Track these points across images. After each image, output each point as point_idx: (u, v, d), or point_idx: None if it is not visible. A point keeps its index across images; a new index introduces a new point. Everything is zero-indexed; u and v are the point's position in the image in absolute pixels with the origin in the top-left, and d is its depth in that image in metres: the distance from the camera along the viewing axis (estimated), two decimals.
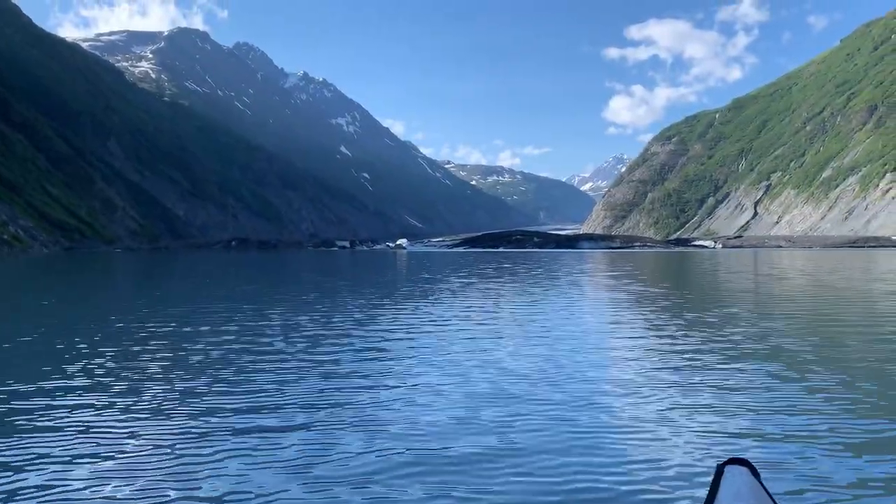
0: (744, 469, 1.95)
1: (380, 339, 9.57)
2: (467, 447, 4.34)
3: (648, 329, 10.54)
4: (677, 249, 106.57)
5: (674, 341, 9.24)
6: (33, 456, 4.45)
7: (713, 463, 1.67)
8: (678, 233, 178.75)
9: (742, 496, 1.78)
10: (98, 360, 8.09)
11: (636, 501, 3.80)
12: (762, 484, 1.90)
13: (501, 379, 6.61)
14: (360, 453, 4.31)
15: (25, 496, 3.73)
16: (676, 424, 5.37)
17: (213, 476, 4.05)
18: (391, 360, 7.92)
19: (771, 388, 6.42)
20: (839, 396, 6.08)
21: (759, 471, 1.97)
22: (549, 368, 7.31)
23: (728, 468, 1.95)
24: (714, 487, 1.86)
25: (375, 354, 8.29)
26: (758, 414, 5.63)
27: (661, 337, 9.64)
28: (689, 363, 7.86)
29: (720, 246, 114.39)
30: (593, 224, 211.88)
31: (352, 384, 6.49)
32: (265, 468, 4.08)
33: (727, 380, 6.87)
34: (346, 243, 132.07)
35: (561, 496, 3.81)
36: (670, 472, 4.26)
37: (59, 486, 3.89)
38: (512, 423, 5.11)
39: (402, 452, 4.29)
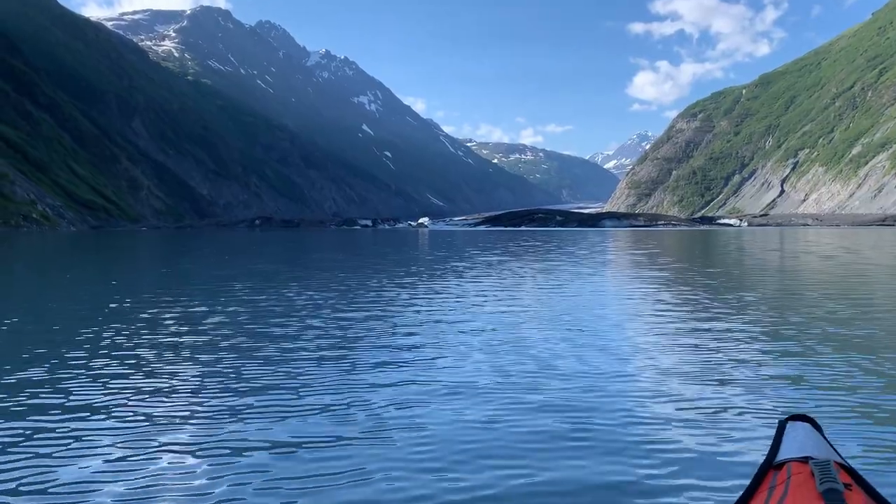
0: (806, 424, 1.92)
1: (408, 321, 9.18)
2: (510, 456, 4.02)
3: (697, 310, 10.08)
4: (702, 227, 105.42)
5: (724, 322, 8.86)
6: (34, 434, 4.34)
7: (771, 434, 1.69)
8: (703, 211, 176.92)
9: (806, 449, 1.75)
10: (106, 337, 7.93)
11: (696, 475, 3.75)
12: (826, 438, 1.87)
13: (541, 369, 6.19)
14: (385, 462, 3.88)
15: (18, 479, 3.64)
16: (733, 403, 5.14)
17: (225, 466, 3.86)
18: (420, 346, 7.42)
19: (835, 369, 6.20)
20: None
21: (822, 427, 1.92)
22: (594, 355, 6.93)
23: (790, 424, 1.92)
24: (777, 441, 1.85)
25: (403, 339, 7.82)
26: (819, 391, 5.44)
27: (710, 317, 9.25)
28: (744, 344, 7.56)
29: (746, 224, 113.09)
30: (617, 202, 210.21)
31: (375, 371, 6.11)
32: (273, 474, 3.80)
33: (789, 360, 6.64)
34: (369, 222, 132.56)
35: (625, 473, 3.76)
36: (730, 441, 4.23)
37: (54, 475, 3.73)
38: (561, 416, 4.76)
39: (431, 462, 3.93)
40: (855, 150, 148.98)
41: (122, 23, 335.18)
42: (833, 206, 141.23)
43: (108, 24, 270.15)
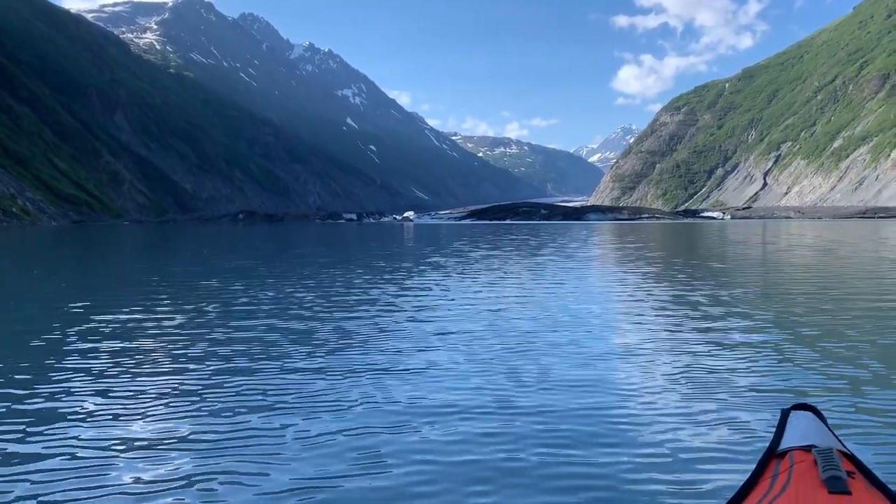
0: (809, 413, 1.93)
1: (390, 322, 8.87)
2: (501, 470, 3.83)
3: (691, 304, 10.00)
4: (686, 221, 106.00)
5: (721, 314, 8.82)
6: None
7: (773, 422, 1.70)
8: (686, 204, 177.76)
9: (809, 437, 1.76)
10: (62, 337, 7.65)
11: (696, 467, 3.79)
12: (828, 427, 1.88)
13: (531, 367, 6.09)
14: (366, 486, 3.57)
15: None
16: (733, 393, 5.22)
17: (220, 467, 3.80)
18: (402, 346, 7.21)
19: (836, 359, 6.23)
20: None
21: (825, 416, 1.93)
22: (586, 355, 6.78)
23: (793, 413, 1.93)
24: (780, 430, 1.86)
25: (385, 342, 7.55)
26: (821, 380, 5.53)
27: (706, 310, 9.20)
28: (742, 335, 7.58)
29: (729, 217, 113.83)
30: (601, 196, 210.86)
31: (351, 381, 5.73)
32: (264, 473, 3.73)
33: (789, 350, 6.67)
34: (353, 216, 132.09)
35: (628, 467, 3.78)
36: (730, 429, 4.32)
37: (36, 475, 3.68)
38: (554, 417, 4.70)
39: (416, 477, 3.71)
40: (836, 144, 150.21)
41: (104, 15, 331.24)
42: (815, 199, 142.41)
43: (89, 17, 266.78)
